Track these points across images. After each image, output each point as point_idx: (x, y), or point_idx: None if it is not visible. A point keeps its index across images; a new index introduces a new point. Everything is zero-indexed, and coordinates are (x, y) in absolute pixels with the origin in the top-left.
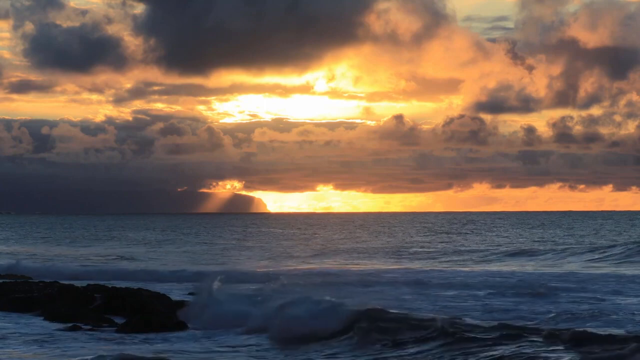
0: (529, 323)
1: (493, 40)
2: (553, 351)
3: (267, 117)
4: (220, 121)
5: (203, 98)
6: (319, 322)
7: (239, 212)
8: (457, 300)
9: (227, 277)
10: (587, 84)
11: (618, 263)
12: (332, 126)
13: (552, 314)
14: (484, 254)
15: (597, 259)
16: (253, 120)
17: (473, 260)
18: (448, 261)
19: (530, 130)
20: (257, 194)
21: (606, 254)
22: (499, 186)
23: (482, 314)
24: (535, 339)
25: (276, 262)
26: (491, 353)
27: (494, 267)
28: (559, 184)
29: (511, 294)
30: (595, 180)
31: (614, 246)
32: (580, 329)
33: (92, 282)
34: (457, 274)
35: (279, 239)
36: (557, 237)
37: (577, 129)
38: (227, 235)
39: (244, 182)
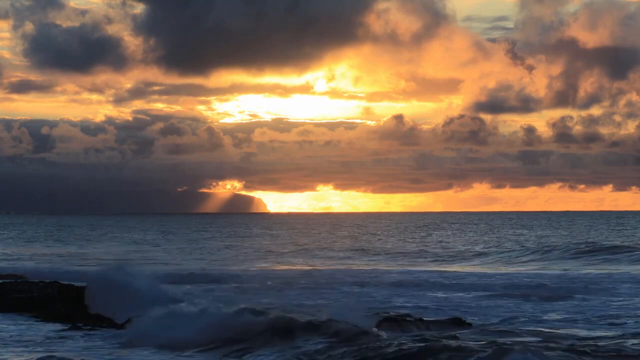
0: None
1: (493, 40)
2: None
3: (267, 117)
4: (220, 121)
5: (203, 98)
6: (180, 330)
7: (239, 212)
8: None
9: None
10: (587, 84)
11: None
12: (332, 126)
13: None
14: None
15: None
16: (253, 120)
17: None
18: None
19: (530, 130)
20: (257, 194)
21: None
22: (499, 186)
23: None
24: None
25: (240, 263)
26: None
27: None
28: (559, 184)
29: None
30: (595, 180)
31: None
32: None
33: None
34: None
35: (262, 239)
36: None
37: (577, 129)
38: (221, 235)
39: (244, 182)
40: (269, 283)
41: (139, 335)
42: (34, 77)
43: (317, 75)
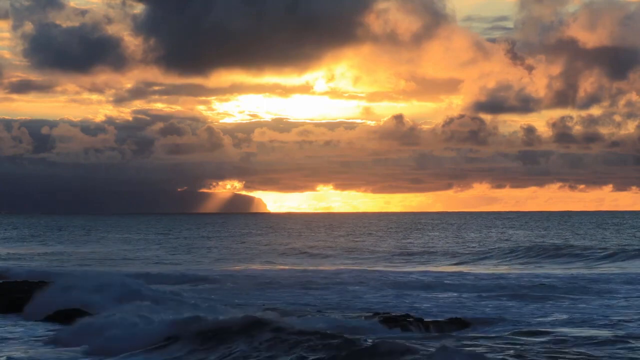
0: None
1: (493, 40)
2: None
3: (267, 117)
4: (220, 121)
5: (203, 98)
6: (123, 332)
7: (239, 212)
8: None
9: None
10: (587, 84)
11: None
12: (332, 126)
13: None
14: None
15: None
16: (253, 120)
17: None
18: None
19: (530, 130)
20: (257, 194)
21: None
22: (499, 186)
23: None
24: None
25: (237, 263)
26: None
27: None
28: (559, 184)
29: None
30: (595, 180)
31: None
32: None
33: None
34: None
35: (261, 239)
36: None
37: (577, 129)
38: (220, 235)
39: (244, 182)
40: (263, 282)
41: (77, 335)
42: (34, 77)
43: (317, 75)
